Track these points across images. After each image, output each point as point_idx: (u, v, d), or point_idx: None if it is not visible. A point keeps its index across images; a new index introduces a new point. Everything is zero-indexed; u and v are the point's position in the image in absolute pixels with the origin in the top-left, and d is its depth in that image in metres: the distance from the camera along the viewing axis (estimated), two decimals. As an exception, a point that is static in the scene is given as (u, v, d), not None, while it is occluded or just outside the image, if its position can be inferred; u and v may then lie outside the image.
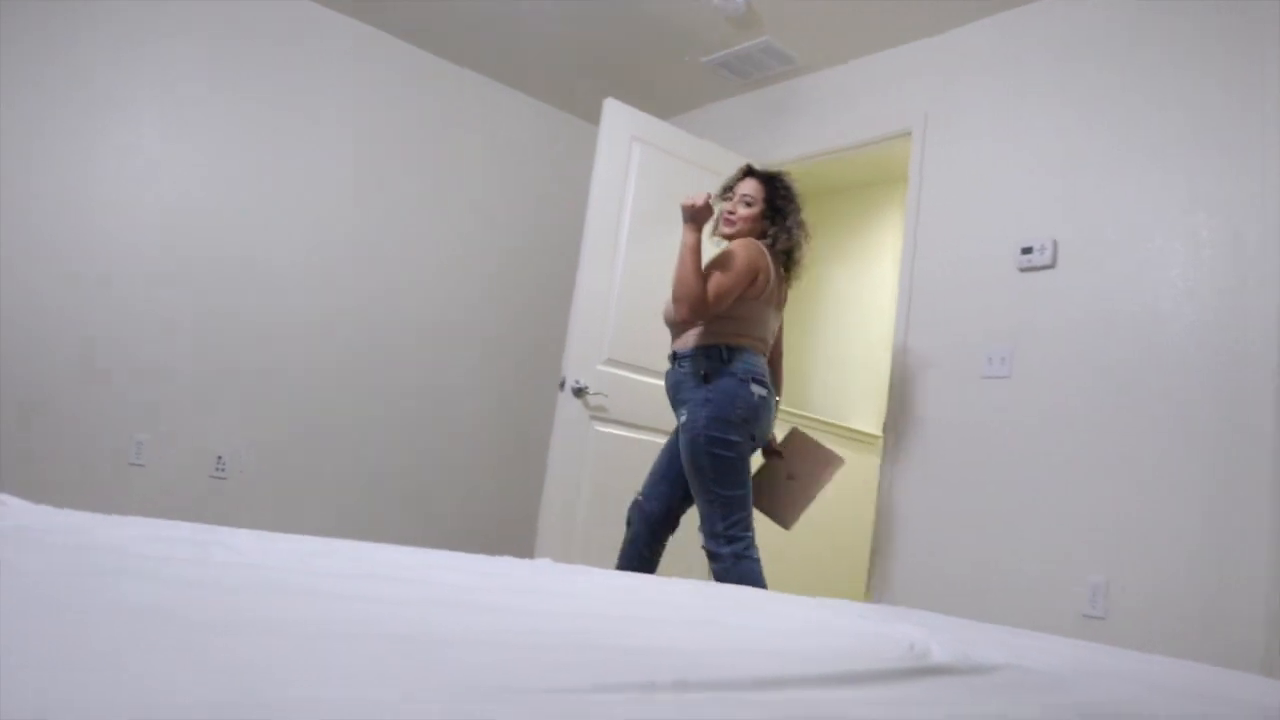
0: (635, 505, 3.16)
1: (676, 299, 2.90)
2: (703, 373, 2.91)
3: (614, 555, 3.82)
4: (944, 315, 3.61)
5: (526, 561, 2.26)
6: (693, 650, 1.26)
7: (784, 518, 3.27)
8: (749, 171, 3.16)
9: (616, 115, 3.96)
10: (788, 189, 3.12)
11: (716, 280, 2.89)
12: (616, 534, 3.85)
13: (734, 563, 2.84)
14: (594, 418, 3.83)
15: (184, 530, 1.70)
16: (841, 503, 4.70)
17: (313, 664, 0.93)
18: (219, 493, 4.11)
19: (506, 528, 4.72)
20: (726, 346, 2.92)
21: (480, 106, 4.89)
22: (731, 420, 2.87)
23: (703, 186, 4.20)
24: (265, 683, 0.86)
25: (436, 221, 4.75)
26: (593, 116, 4.90)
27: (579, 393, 3.77)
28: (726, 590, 2.28)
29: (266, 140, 4.28)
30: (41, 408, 3.74)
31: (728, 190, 3.17)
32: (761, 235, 3.06)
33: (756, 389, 2.90)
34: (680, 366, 2.98)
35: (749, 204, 3.07)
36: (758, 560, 2.89)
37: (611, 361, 3.88)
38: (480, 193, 4.89)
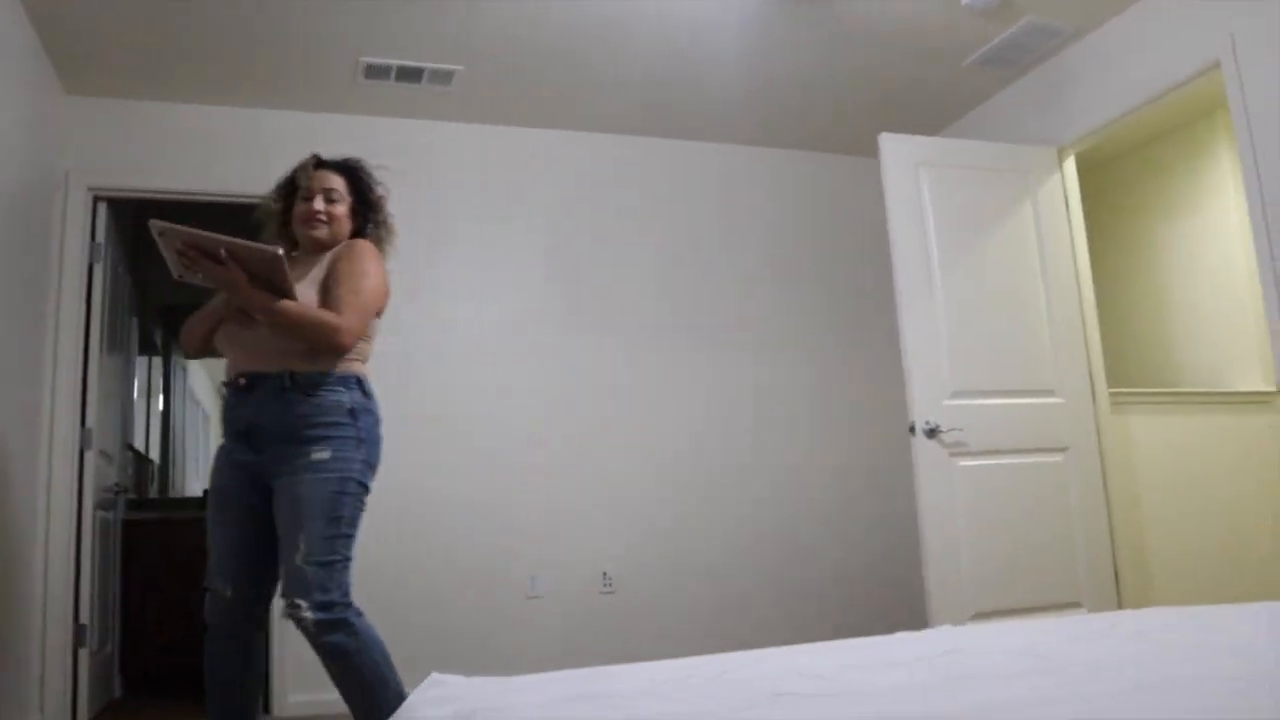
0: (215, 600, 2.45)
1: (321, 347, 2.37)
2: (348, 406, 2.42)
3: (1008, 594, 3.62)
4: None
5: (929, 634, 2.17)
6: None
7: None
8: (321, 163, 2.63)
9: (895, 147, 3.88)
10: (372, 176, 2.68)
11: (369, 292, 2.44)
12: (1007, 572, 3.66)
13: (367, 631, 2.33)
14: (954, 454, 3.68)
15: (610, 683, 1.76)
16: (1217, 479, 4.17)
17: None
18: (608, 608, 4.34)
19: (894, 591, 4.61)
20: (364, 377, 2.50)
21: (753, 175, 4.97)
22: (374, 466, 2.49)
23: (999, 189, 4.02)
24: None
25: (751, 303, 4.85)
26: (858, 149, 4.84)
27: (932, 433, 3.64)
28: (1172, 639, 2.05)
29: (584, 276, 4.62)
30: (448, 556, 4.16)
31: (288, 189, 2.64)
32: (357, 234, 2.62)
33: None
34: (309, 395, 2.38)
35: (334, 199, 2.57)
36: None
37: (959, 393, 3.73)
38: (780, 259, 4.95)
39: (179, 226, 2.26)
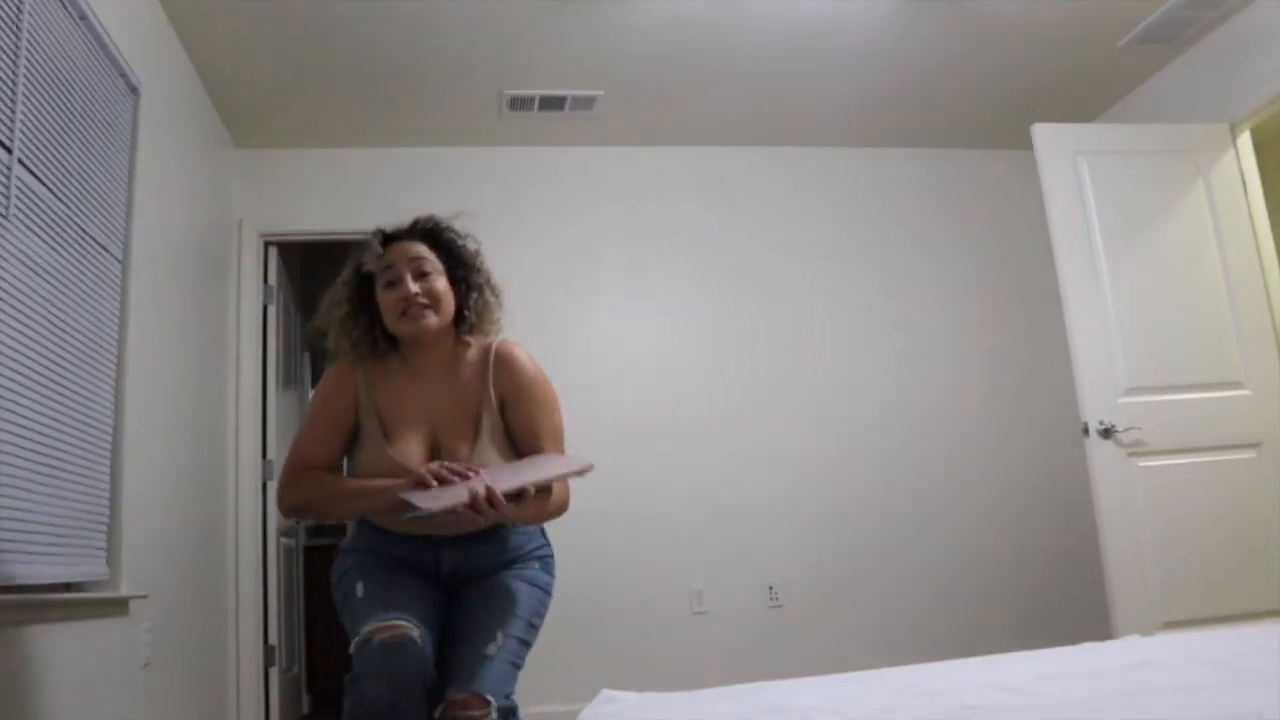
0: (395, 644, 1.91)
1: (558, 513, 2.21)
2: (541, 527, 2.26)
3: (1200, 602, 3.39)
4: None
5: (1116, 645, 2.04)
6: None
7: None
8: (388, 237, 2.10)
9: (1050, 138, 3.71)
10: (455, 230, 2.15)
11: (560, 426, 2.28)
12: (1198, 578, 3.42)
13: None
14: (1133, 454, 3.48)
15: (790, 697, 1.73)
16: None
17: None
18: (776, 622, 4.29)
19: (1073, 599, 4.38)
20: None
21: (897, 177, 4.87)
22: None
23: (1167, 172, 3.80)
24: None
25: (907, 305, 4.74)
26: (1008, 142, 4.65)
27: (1107, 433, 3.46)
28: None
29: (732, 287, 4.62)
30: (610, 575, 4.21)
31: (357, 284, 2.09)
32: (461, 304, 2.12)
33: None
34: (514, 529, 2.17)
35: (426, 271, 2.05)
36: None
37: (1134, 390, 3.53)
38: (932, 260, 4.82)
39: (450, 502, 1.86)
